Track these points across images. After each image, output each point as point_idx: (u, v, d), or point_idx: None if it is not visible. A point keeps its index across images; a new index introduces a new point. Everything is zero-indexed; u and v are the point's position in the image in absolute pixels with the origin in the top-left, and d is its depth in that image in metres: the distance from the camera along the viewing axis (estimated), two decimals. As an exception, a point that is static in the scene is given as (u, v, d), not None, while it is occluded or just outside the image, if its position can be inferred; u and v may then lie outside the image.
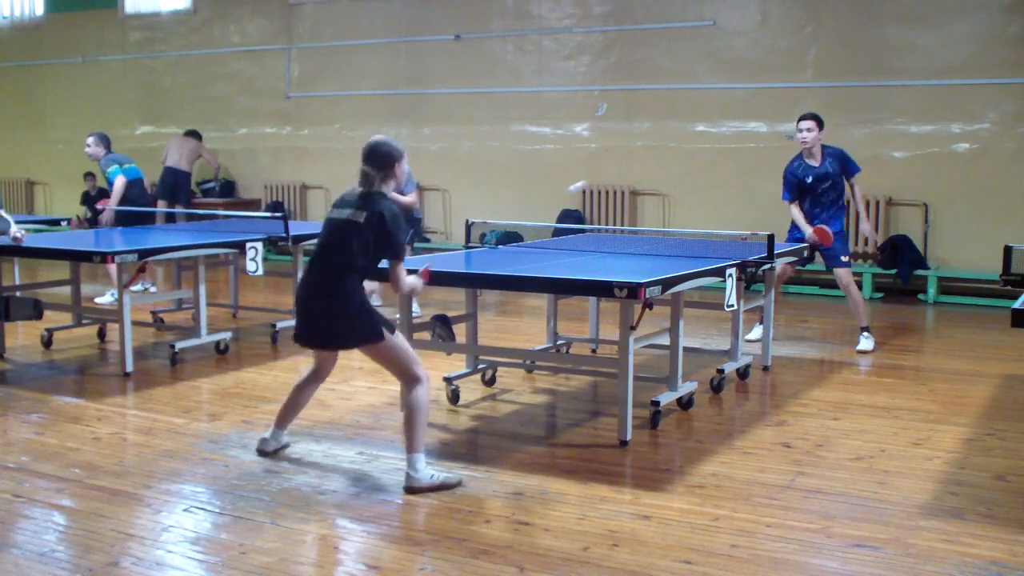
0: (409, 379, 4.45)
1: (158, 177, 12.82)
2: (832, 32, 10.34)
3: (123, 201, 9.18)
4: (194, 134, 13.24)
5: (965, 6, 9.79)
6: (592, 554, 3.67)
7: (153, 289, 9.76)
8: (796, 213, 7.45)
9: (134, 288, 7.23)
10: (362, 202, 4.42)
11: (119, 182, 9.07)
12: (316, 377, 4.82)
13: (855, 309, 7.59)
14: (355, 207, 4.41)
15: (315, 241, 4.66)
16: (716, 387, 6.11)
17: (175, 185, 12.85)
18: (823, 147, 7.45)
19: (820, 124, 7.40)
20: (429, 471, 4.41)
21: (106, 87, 14.75)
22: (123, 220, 9.09)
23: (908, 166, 10.13)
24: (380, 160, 4.45)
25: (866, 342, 7.48)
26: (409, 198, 7.97)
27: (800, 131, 7.40)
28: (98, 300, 9.24)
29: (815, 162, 7.41)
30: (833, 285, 10.39)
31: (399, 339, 4.49)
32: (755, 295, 7.40)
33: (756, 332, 7.63)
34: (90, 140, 9.29)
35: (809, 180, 7.39)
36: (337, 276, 4.39)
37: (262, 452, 4.83)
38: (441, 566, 3.58)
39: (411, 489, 4.34)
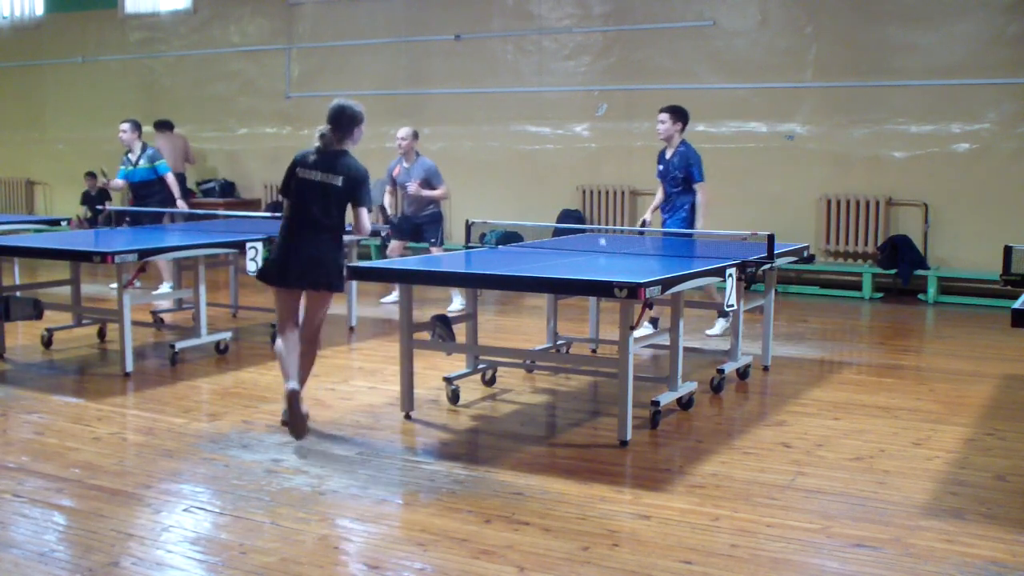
0: (318, 330, 5.25)
1: None
2: (832, 32, 10.35)
3: (152, 196, 9.34)
4: (168, 125, 12.92)
5: (965, 6, 9.79)
6: (592, 554, 3.67)
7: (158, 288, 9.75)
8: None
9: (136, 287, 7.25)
10: (334, 164, 5.06)
11: (172, 177, 9.48)
12: (295, 325, 5.20)
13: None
14: (328, 169, 5.06)
15: (285, 193, 5.25)
16: (716, 387, 6.11)
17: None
18: (683, 143, 7.65)
19: (676, 117, 7.61)
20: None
21: (106, 87, 14.75)
22: (137, 219, 9.14)
23: (908, 166, 10.14)
24: (348, 122, 5.09)
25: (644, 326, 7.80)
26: (440, 191, 8.84)
27: (657, 123, 7.70)
28: (155, 293, 8.90)
29: (668, 153, 7.69)
30: (834, 285, 10.42)
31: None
32: (755, 295, 7.41)
33: (718, 327, 7.73)
34: (125, 126, 9.39)
35: (660, 167, 7.75)
36: (322, 231, 5.07)
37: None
38: (441, 566, 3.58)
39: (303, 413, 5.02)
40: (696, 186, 7.57)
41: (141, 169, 9.40)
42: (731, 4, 10.78)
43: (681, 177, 7.59)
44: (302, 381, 5.13)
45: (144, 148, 9.44)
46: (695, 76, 10.97)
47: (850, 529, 3.92)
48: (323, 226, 5.07)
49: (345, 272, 5.23)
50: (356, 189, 5.06)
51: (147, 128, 13.52)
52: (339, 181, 5.03)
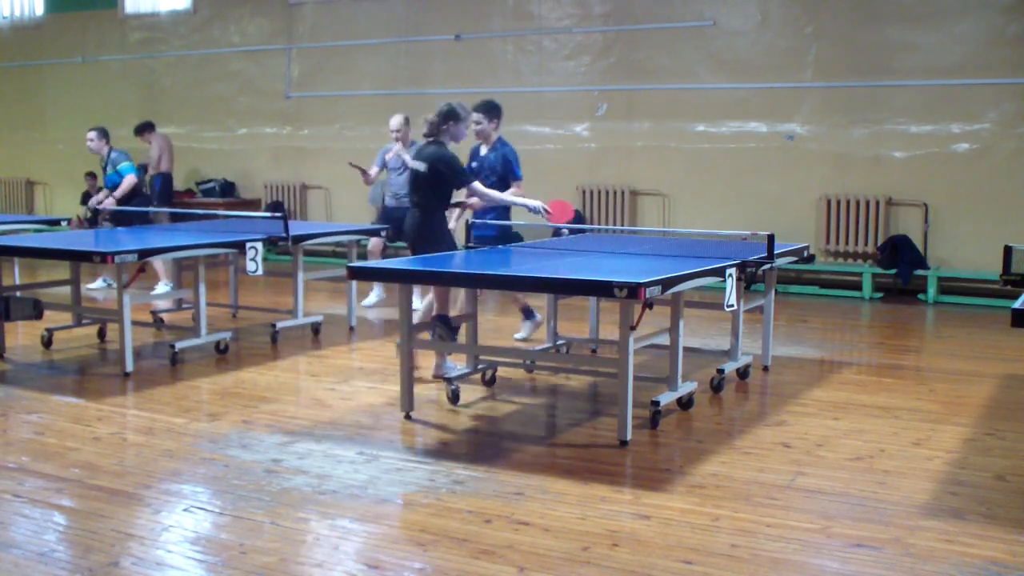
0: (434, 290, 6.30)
1: (156, 182, 12.69)
2: (832, 32, 10.34)
3: (136, 196, 9.30)
4: (150, 127, 12.73)
5: (965, 6, 9.79)
6: (592, 554, 3.67)
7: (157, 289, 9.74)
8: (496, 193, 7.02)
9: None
10: (425, 153, 6.07)
11: (131, 178, 9.33)
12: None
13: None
14: (419, 158, 6.09)
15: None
16: (716, 387, 6.11)
17: (171, 189, 12.78)
18: (500, 139, 7.26)
19: (490, 115, 7.21)
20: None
21: (106, 87, 14.74)
22: (128, 220, 9.12)
23: (908, 166, 10.13)
24: (442, 117, 6.04)
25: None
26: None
27: (472, 124, 7.14)
28: (90, 286, 9.04)
29: (484, 150, 7.29)
30: (834, 285, 10.43)
31: None
32: (755, 295, 7.40)
33: (525, 329, 7.72)
34: (92, 135, 9.41)
35: (473, 165, 7.23)
36: (418, 209, 6.16)
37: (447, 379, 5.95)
38: (441, 566, 3.58)
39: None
40: (514, 183, 7.23)
41: (110, 175, 9.43)
42: (731, 4, 10.78)
43: (499, 175, 7.20)
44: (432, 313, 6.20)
45: (109, 154, 9.46)
46: (695, 76, 10.97)
47: (850, 529, 3.92)
48: (417, 205, 6.15)
49: (451, 241, 6.33)
50: (449, 175, 6.03)
51: (170, 130, 13.64)
52: (424, 167, 6.01)
